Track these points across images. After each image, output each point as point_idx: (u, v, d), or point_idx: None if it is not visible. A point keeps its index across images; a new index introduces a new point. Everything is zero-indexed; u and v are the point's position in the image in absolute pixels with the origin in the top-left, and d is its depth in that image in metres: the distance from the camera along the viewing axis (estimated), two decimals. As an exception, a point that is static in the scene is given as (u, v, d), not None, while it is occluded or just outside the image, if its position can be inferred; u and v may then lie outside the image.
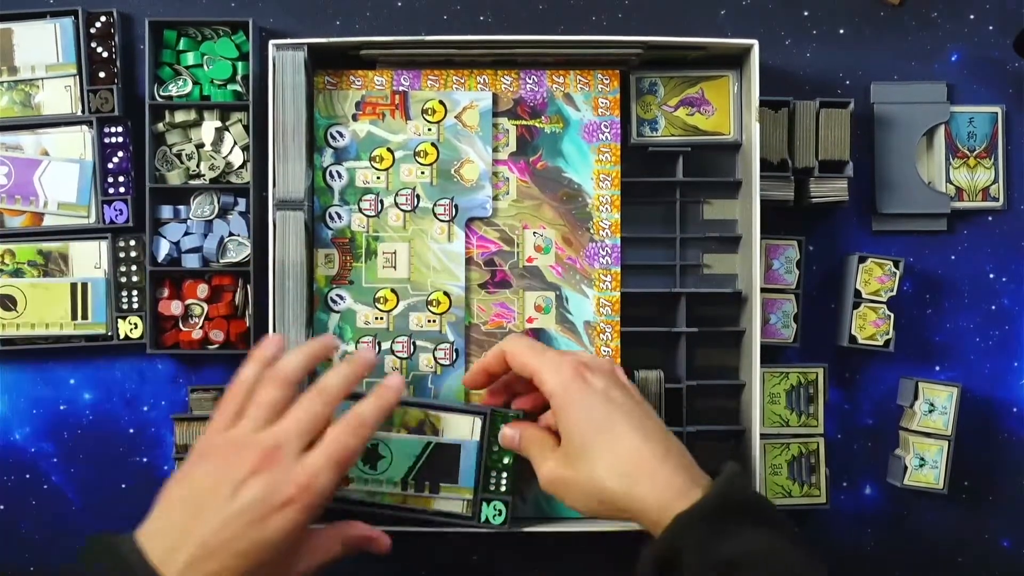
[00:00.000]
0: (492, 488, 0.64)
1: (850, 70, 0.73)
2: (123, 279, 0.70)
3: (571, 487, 0.55)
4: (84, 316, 0.70)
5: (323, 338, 0.63)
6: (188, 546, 0.49)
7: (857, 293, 0.70)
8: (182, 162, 0.70)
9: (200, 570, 0.48)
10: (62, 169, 0.70)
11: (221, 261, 0.70)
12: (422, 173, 0.68)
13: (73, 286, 0.70)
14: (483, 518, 0.64)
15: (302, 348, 0.58)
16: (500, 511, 0.64)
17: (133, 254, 0.70)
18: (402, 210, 0.68)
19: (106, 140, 0.70)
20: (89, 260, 0.70)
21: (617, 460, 0.53)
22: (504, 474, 0.63)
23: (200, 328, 0.69)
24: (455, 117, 0.68)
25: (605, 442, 0.54)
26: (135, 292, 0.70)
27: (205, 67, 0.70)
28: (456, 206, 0.68)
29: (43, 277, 0.70)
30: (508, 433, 0.62)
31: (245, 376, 0.56)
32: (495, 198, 0.69)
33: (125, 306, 0.70)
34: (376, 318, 0.68)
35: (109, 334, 0.70)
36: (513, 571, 0.72)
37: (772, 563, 0.47)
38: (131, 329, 0.70)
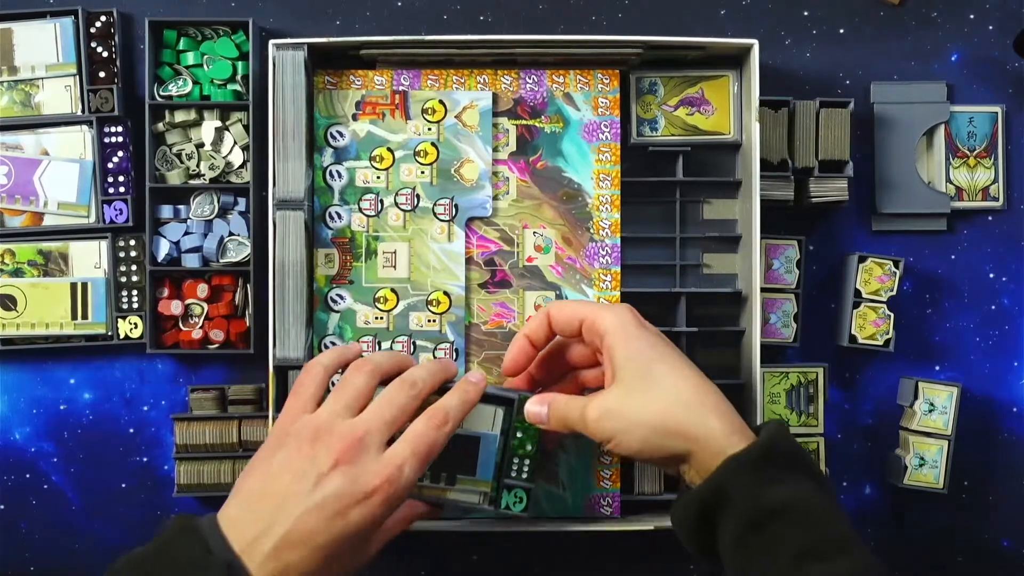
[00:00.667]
0: (514, 475, 0.62)
1: (850, 70, 0.73)
2: (123, 279, 0.70)
3: (629, 418, 0.52)
4: (84, 316, 0.70)
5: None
6: (270, 537, 0.48)
7: (857, 293, 0.70)
8: (182, 162, 0.70)
9: (281, 560, 0.48)
10: (62, 169, 0.70)
11: (221, 261, 0.70)
12: (422, 173, 0.68)
13: (73, 286, 0.70)
14: (503, 505, 0.62)
15: (397, 353, 0.62)
16: (521, 498, 0.62)
17: (133, 254, 0.70)
18: (402, 210, 0.68)
19: (106, 140, 0.70)
20: (89, 260, 0.70)
21: (682, 391, 0.52)
22: (527, 461, 0.62)
23: (200, 328, 0.70)
24: (455, 117, 0.68)
25: (668, 373, 0.53)
26: (135, 292, 0.70)
27: (205, 67, 0.70)
28: (456, 206, 0.68)
29: (43, 277, 0.70)
30: (533, 409, 0.58)
31: (324, 360, 0.57)
32: (495, 198, 0.69)
33: (125, 306, 0.70)
34: (376, 318, 0.68)
35: (109, 334, 0.70)
36: (513, 571, 0.72)
37: (814, 511, 0.48)
38: (131, 329, 0.70)
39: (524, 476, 0.62)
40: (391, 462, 0.51)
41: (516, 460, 0.62)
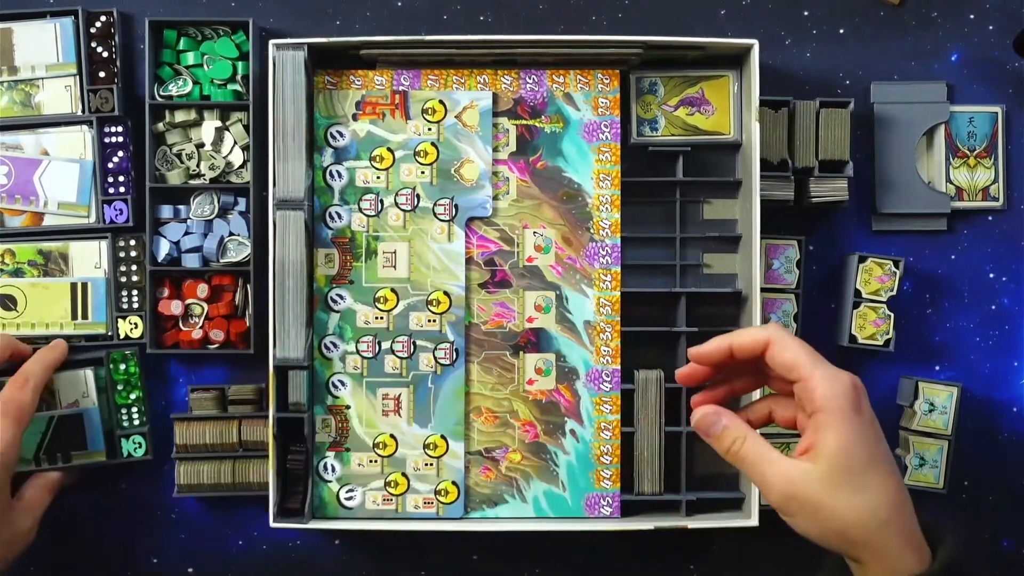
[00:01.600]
0: (126, 424, 0.69)
1: (850, 70, 0.73)
2: (123, 279, 0.70)
3: (819, 512, 0.48)
4: (84, 316, 0.70)
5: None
6: None
7: (857, 293, 0.70)
8: (182, 162, 0.70)
9: None
10: (62, 169, 0.70)
11: (221, 261, 0.70)
12: (422, 173, 0.68)
13: (73, 286, 0.70)
14: (125, 454, 0.69)
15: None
16: (140, 444, 0.68)
17: (133, 254, 0.70)
18: (402, 210, 0.68)
19: (106, 140, 0.70)
20: (89, 260, 0.70)
21: (882, 507, 0.48)
22: (134, 409, 0.68)
23: (200, 328, 0.69)
24: (455, 117, 0.68)
25: (874, 484, 0.48)
26: (135, 292, 0.70)
27: (205, 67, 0.70)
28: (456, 206, 0.68)
29: (43, 277, 0.70)
30: (708, 419, 0.52)
31: None
32: (495, 198, 0.69)
33: (125, 306, 0.70)
34: (376, 318, 0.68)
35: (109, 334, 0.70)
36: (513, 571, 0.72)
37: None
38: (131, 329, 0.70)
39: (136, 423, 0.68)
40: None
41: (124, 411, 0.68)
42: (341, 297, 0.68)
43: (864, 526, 0.47)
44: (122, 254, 0.70)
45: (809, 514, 0.48)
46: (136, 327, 0.70)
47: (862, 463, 0.48)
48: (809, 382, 0.49)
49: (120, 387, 0.69)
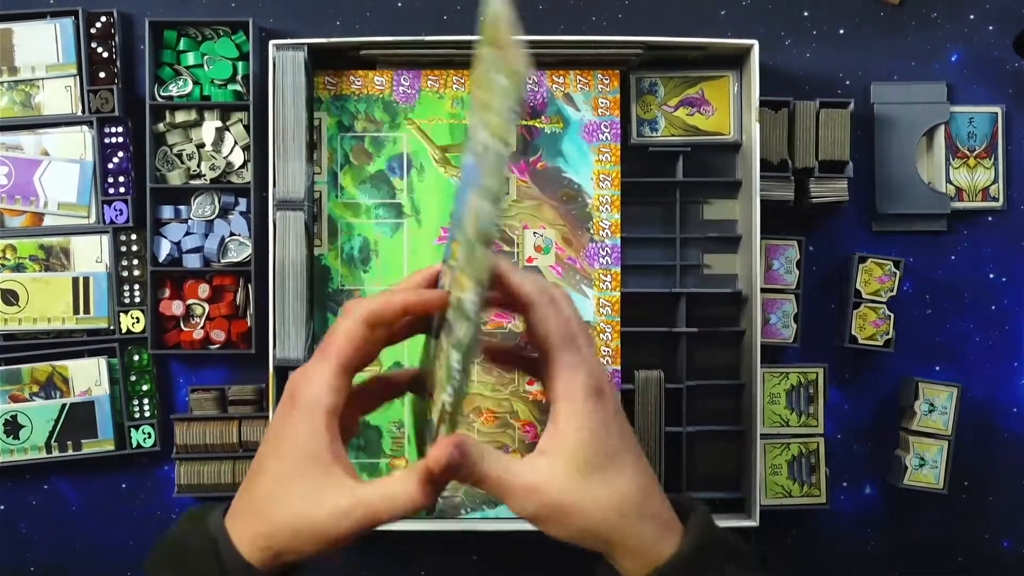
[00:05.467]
0: (137, 416, 0.69)
1: (850, 70, 0.73)
2: (124, 273, 0.70)
3: (569, 515, 0.45)
4: (86, 310, 0.70)
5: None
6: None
7: (857, 293, 0.70)
8: (183, 162, 0.70)
9: (243, 499, 0.45)
10: (62, 169, 0.70)
11: (222, 261, 0.70)
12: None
13: (75, 280, 0.70)
14: (135, 444, 0.69)
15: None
16: (149, 434, 0.69)
17: (134, 248, 0.70)
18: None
19: (106, 140, 0.70)
20: (90, 254, 0.70)
21: (625, 494, 0.45)
22: (146, 400, 0.69)
23: (201, 328, 0.70)
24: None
25: (616, 472, 0.46)
26: (136, 286, 0.70)
27: (205, 67, 0.70)
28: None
29: (44, 272, 0.70)
30: (440, 454, 0.43)
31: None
32: (495, 198, 0.69)
33: (127, 300, 0.70)
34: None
35: (111, 328, 0.70)
36: (513, 571, 0.72)
37: None
38: (133, 323, 0.70)
39: (147, 414, 0.69)
40: (302, 368, 0.45)
41: (136, 402, 0.68)
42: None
43: (613, 522, 0.45)
44: (123, 248, 0.70)
45: (559, 518, 0.45)
46: (138, 321, 0.70)
47: (604, 457, 0.45)
48: (552, 367, 0.45)
49: (133, 377, 0.70)
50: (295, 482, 0.44)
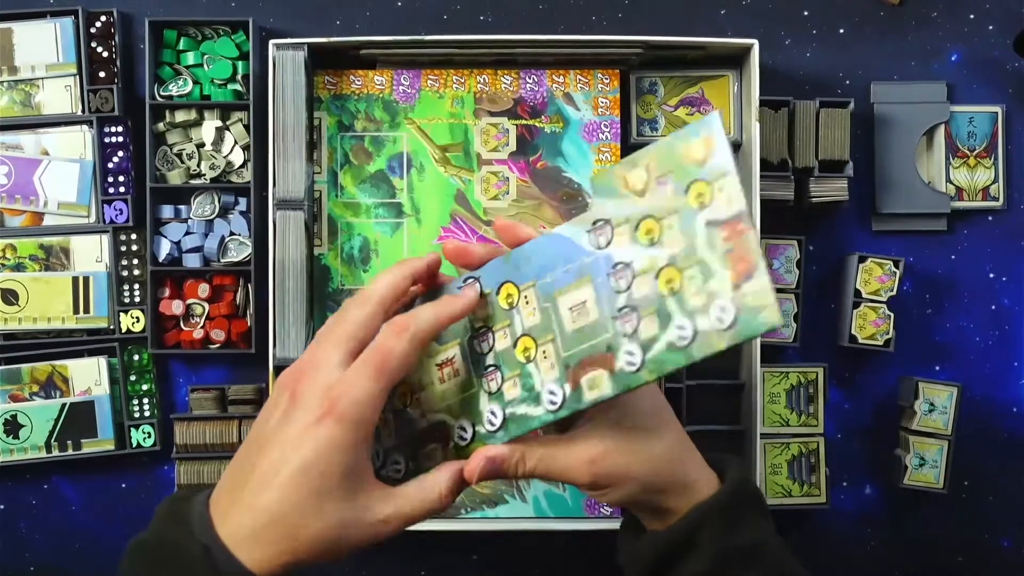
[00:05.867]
0: (137, 415, 0.69)
1: (850, 70, 0.73)
2: (124, 272, 0.70)
3: (629, 475, 0.47)
4: (86, 310, 0.70)
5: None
6: (239, 487, 0.44)
7: (857, 293, 0.70)
8: (183, 162, 0.70)
9: (252, 507, 0.43)
10: (62, 169, 0.70)
11: (222, 261, 0.70)
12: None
13: (75, 280, 0.70)
14: (135, 444, 0.69)
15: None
16: (149, 434, 0.69)
17: (135, 247, 0.70)
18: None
19: (106, 140, 0.70)
20: (90, 254, 0.70)
21: (673, 443, 0.49)
22: (146, 400, 0.69)
23: (201, 328, 0.70)
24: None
25: (662, 425, 0.49)
26: (136, 286, 0.70)
27: (205, 67, 0.70)
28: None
29: (44, 271, 0.70)
30: (486, 465, 0.46)
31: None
32: (494, 198, 0.69)
33: (127, 300, 0.70)
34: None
35: (111, 328, 0.70)
36: (513, 571, 0.72)
37: (772, 553, 0.49)
38: (133, 323, 0.70)
39: (147, 413, 0.69)
40: (342, 380, 0.44)
41: (136, 401, 0.69)
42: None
43: (666, 469, 0.48)
44: (123, 248, 0.70)
45: (617, 483, 0.47)
46: (138, 321, 0.70)
47: (649, 418, 0.48)
48: None
49: (133, 377, 0.70)
50: (332, 495, 0.43)
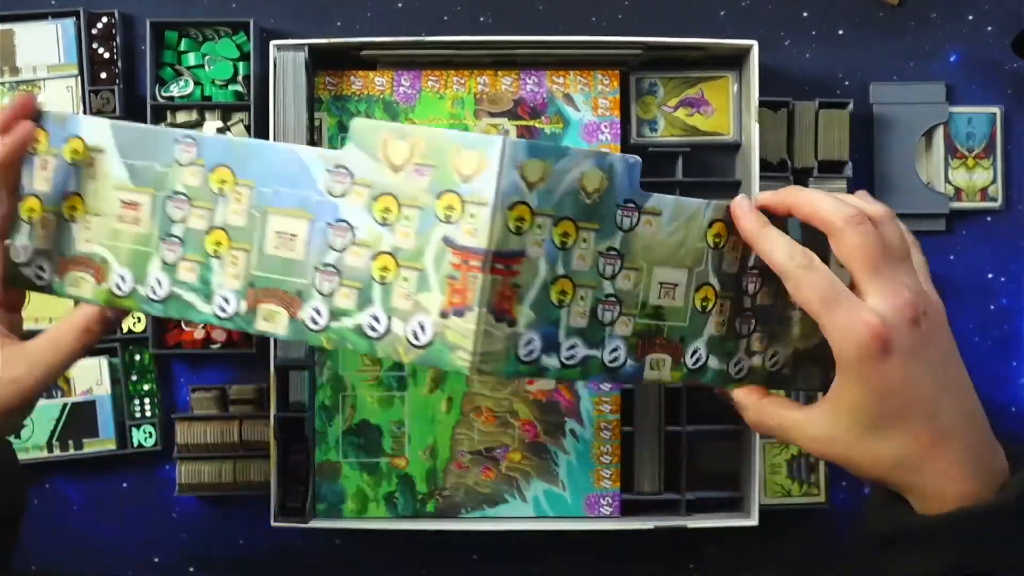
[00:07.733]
0: (138, 415, 0.69)
1: (849, 70, 0.73)
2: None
3: (851, 462, 0.46)
4: (86, 314, 0.70)
5: None
6: None
7: (856, 293, 0.71)
8: (183, 162, 0.70)
9: None
10: (63, 169, 0.70)
11: (222, 261, 0.70)
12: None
13: (75, 285, 0.70)
14: (136, 443, 0.69)
15: None
16: (150, 434, 0.69)
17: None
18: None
19: (107, 140, 0.70)
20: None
21: (905, 452, 0.45)
22: (147, 400, 0.69)
23: (202, 328, 0.70)
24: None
25: (897, 431, 0.45)
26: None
27: (206, 67, 0.70)
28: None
29: (45, 277, 0.70)
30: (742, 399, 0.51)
31: None
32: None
33: (126, 305, 0.70)
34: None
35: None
36: (513, 571, 0.73)
37: None
38: (134, 323, 0.70)
39: (148, 413, 0.69)
40: None
41: (137, 401, 0.68)
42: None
43: (893, 474, 0.45)
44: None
45: (841, 465, 0.47)
46: (139, 321, 0.70)
47: (886, 416, 0.45)
48: (824, 330, 0.45)
49: (134, 376, 0.70)
50: None
